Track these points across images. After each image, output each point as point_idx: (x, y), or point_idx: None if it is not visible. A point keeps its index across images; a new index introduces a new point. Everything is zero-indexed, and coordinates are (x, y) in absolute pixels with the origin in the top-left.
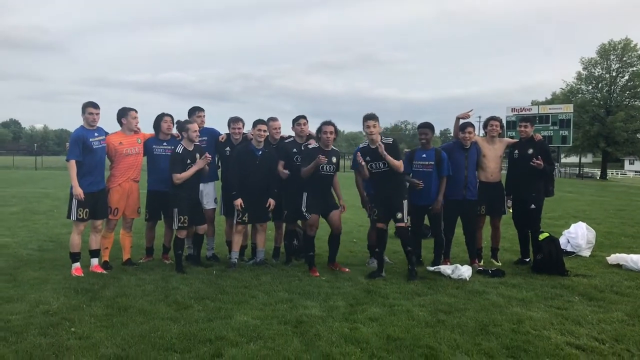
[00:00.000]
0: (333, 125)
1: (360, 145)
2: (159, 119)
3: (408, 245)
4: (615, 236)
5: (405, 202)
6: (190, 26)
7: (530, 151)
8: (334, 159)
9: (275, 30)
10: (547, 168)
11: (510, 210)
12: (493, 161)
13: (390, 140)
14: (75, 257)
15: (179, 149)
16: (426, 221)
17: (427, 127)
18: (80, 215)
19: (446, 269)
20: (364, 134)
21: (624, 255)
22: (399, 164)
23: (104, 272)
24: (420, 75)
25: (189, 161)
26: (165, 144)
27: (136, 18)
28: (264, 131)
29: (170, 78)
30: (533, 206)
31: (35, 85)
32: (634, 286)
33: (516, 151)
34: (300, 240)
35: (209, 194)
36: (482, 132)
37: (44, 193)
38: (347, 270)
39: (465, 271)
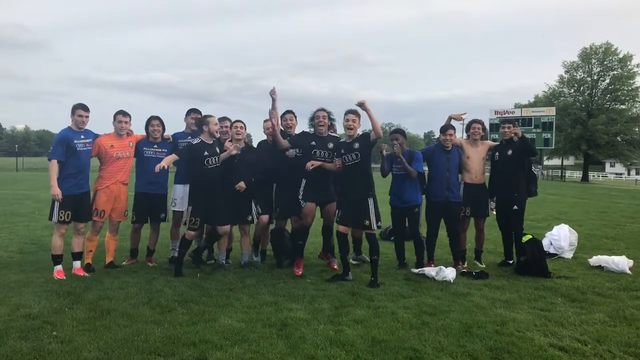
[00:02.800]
0: (326, 110)
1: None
2: (148, 122)
3: (375, 253)
4: (597, 238)
5: (371, 206)
6: (174, 26)
7: (510, 152)
8: (330, 145)
9: (259, 31)
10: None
11: (494, 213)
12: (477, 163)
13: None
14: (57, 259)
15: (195, 141)
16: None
17: (399, 132)
18: (61, 217)
19: (430, 271)
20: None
21: (605, 257)
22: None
23: (86, 274)
24: (405, 78)
25: (206, 153)
26: (155, 146)
27: (120, 18)
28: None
29: (155, 78)
30: (516, 207)
31: (16, 85)
32: (615, 287)
33: (497, 153)
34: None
35: (181, 196)
36: (464, 134)
37: (25, 194)
38: (336, 267)
39: (449, 273)
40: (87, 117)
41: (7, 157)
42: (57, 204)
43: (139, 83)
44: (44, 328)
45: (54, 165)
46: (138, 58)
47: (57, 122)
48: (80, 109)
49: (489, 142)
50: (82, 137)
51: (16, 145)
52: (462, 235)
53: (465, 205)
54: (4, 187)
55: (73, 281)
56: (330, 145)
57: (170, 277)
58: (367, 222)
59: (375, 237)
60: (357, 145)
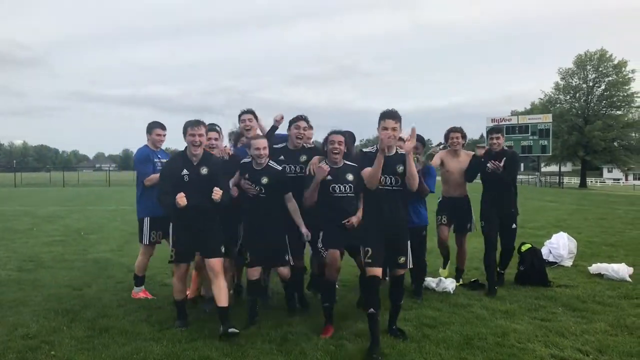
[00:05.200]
0: (342, 134)
1: (366, 149)
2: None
3: (400, 298)
4: (596, 245)
5: (409, 242)
6: (172, 39)
7: (503, 164)
8: (350, 176)
9: (256, 43)
10: (506, 176)
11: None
12: (457, 174)
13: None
14: (140, 280)
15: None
16: None
17: (419, 141)
18: (153, 238)
19: (430, 282)
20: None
21: (605, 264)
22: (415, 176)
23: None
24: (402, 86)
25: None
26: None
27: (116, 32)
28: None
29: (153, 92)
30: (514, 226)
31: (13, 101)
32: (616, 296)
33: (488, 165)
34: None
35: None
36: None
37: (23, 211)
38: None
39: (450, 284)
40: (165, 135)
41: (5, 172)
42: (147, 225)
43: (137, 97)
44: (42, 348)
45: (153, 179)
46: (136, 72)
47: (56, 137)
48: (158, 128)
49: (471, 152)
50: (159, 156)
51: (14, 161)
52: (462, 249)
53: (442, 214)
54: (1, 204)
55: (72, 299)
56: (350, 177)
57: (168, 294)
58: (402, 260)
59: (402, 281)
60: (401, 168)
